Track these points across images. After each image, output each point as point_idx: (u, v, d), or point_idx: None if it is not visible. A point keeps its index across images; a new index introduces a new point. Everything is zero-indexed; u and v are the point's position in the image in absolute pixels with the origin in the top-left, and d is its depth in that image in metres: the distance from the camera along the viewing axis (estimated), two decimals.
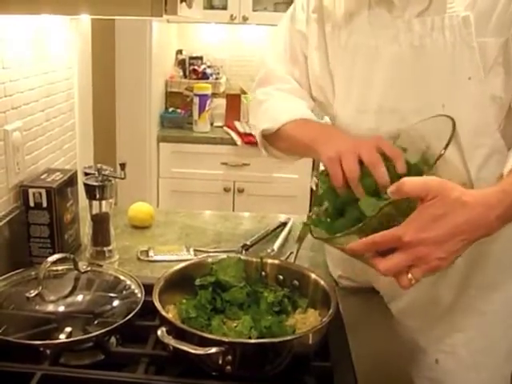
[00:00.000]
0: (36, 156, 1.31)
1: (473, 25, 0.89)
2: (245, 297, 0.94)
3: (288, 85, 1.12)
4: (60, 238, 1.19)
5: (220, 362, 0.78)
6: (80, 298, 0.97)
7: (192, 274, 0.97)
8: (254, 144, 2.59)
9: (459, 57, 0.91)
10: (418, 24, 0.93)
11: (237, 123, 3.16)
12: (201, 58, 3.46)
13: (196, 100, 3.17)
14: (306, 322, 0.91)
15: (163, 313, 0.83)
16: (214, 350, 0.76)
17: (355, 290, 1.14)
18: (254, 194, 3.10)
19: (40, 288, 0.93)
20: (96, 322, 0.91)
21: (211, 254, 1.22)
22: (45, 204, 1.16)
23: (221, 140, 3.09)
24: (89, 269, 1.03)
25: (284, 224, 1.46)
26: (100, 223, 1.23)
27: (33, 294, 0.92)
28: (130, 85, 2.88)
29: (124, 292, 0.99)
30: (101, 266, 1.07)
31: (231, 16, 3.16)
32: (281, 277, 1.00)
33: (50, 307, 0.94)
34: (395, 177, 0.80)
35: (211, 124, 3.27)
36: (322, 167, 0.94)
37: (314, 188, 2.70)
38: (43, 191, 1.16)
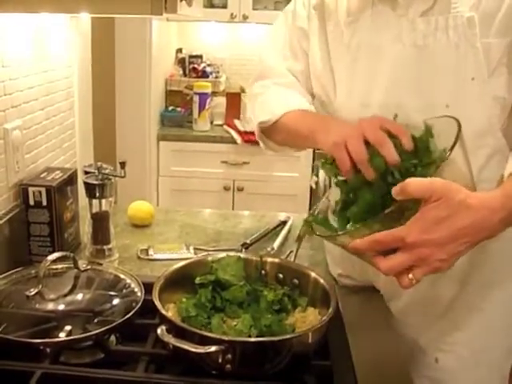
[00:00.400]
0: (36, 155, 1.31)
1: (477, 25, 0.89)
2: (245, 295, 0.94)
3: (285, 79, 1.12)
4: (60, 237, 1.19)
5: (220, 360, 0.78)
6: (80, 296, 0.97)
7: (192, 272, 0.97)
8: (253, 142, 2.60)
9: (463, 57, 0.91)
10: (422, 23, 0.92)
11: (237, 122, 3.16)
12: (201, 57, 3.46)
13: (196, 98, 3.17)
14: (306, 320, 0.91)
15: (163, 311, 0.83)
16: (213, 348, 0.76)
17: (355, 289, 1.14)
18: (254, 193, 3.10)
19: (40, 286, 0.93)
20: (96, 321, 0.91)
21: (211, 253, 1.21)
22: (45, 202, 1.16)
23: (221, 138, 3.09)
24: (89, 267, 1.03)
25: (284, 223, 1.46)
26: (100, 222, 1.23)
27: (33, 293, 0.92)
28: (129, 83, 2.88)
29: (124, 290, 0.99)
30: (101, 264, 1.07)
31: (231, 14, 3.16)
32: (281, 275, 1.00)
33: (50, 306, 0.94)
34: (403, 153, 0.80)
35: (211, 122, 3.27)
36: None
37: (314, 186, 2.70)
38: (43, 190, 1.16)
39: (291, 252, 1.03)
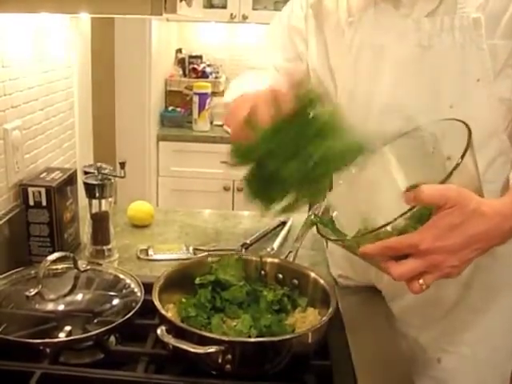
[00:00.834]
0: (35, 155, 1.30)
1: (483, 27, 0.88)
2: (244, 296, 0.94)
3: (268, 72, 1.10)
4: (60, 237, 1.19)
5: (220, 360, 0.78)
6: (80, 296, 0.97)
7: (191, 272, 0.97)
8: None
9: (468, 58, 0.90)
10: (428, 23, 0.91)
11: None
12: (200, 57, 3.46)
13: (196, 99, 3.17)
14: (306, 320, 0.91)
15: (163, 312, 0.83)
16: (213, 348, 0.76)
17: (355, 289, 1.14)
18: None
19: (40, 287, 0.93)
20: (96, 321, 0.91)
21: (211, 253, 1.22)
22: (44, 203, 1.16)
23: (220, 139, 3.09)
24: (88, 267, 1.03)
25: (283, 223, 1.45)
26: (100, 222, 1.23)
27: (32, 293, 0.92)
28: (129, 84, 2.88)
29: (123, 291, 0.99)
30: (100, 264, 1.07)
31: (231, 15, 3.16)
32: (280, 276, 1.00)
33: (50, 306, 0.94)
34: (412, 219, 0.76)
35: (211, 123, 3.27)
36: None
37: None
38: (43, 190, 1.16)
39: (291, 252, 1.02)
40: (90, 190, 1.19)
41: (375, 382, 0.86)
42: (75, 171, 1.29)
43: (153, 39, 2.87)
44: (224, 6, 3.19)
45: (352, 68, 1.00)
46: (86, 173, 1.21)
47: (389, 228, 0.73)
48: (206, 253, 1.26)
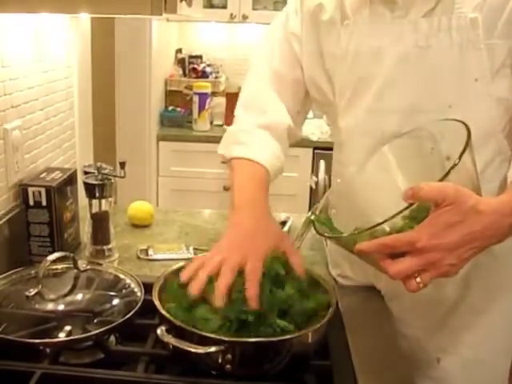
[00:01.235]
0: (35, 155, 1.31)
1: (480, 27, 0.88)
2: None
3: (267, 117, 1.08)
4: (60, 237, 1.19)
5: (220, 360, 0.78)
6: (80, 296, 0.97)
7: None
8: None
9: (466, 58, 0.90)
10: (425, 24, 0.91)
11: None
12: (200, 57, 3.46)
13: (196, 99, 3.17)
14: None
15: (163, 311, 0.83)
16: (213, 348, 0.76)
17: (355, 289, 1.14)
18: None
19: (40, 287, 0.93)
20: (96, 321, 0.91)
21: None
22: (44, 203, 1.16)
23: (220, 139, 3.07)
24: (88, 267, 1.03)
25: (284, 223, 1.45)
26: (100, 222, 1.23)
27: (32, 293, 0.92)
28: (129, 84, 2.88)
29: (124, 291, 0.99)
30: (100, 264, 1.07)
31: (231, 15, 3.16)
32: None
33: (50, 306, 0.94)
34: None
35: (211, 123, 3.27)
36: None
37: (314, 187, 2.70)
38: (43, 190, 1.16)
39: None
40: (90, 189, 1.19)
41: (375, 382, 0.85)
42: (75, 171, 1.29)
43: (153, 39, 2.87)
44: (224, 6, 3.20)
45: (349, 70, 0.99)
46: (86, 173, 1.21)
47: (386, 227, 0.73)
48: (206, 253, 1.26)
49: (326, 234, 0.85)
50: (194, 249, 1.31)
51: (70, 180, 1.25)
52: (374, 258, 0.74)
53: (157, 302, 0.85)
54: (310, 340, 0.83)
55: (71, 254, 1.01)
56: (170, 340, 0.78)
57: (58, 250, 1.14)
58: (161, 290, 0.89)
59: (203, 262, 0.86)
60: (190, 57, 3.45)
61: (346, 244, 0.79)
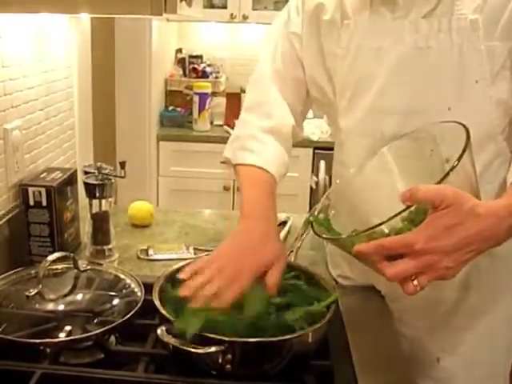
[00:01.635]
0: (35, 155, 1.31)
1: (481, 28, 0.88)
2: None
3: (272, 120, 1.08)
4: (60, 237, 1.19)
5: (220, 360, 0.78)
6: (80, 296, 0.97)
7: None
8: None
9: (466, 60, 0.90)
10: (425, 25, 0.91)
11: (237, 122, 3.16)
12: (201, 57, 3.46)
13: (196, 99, 3.17)
14: None
15: (163, 311, 0.83)
16: (213, 348, 0.76)
17: (355, 289, 1.14)
18: None
19: (40, 287, 0.93)
20: (96, 321, 0.91)
21: (211, 253, 1.22)
22: (44, 203, 1.16)
23: (221, 139, 3.08)
24: (89, 267, 1.03)
25: (284, 223, 1.46)
26: (100, 222, 1.23)
27: (32, 293, 0.92)
28: (129, 84, 2.88)
29: (124, 291, 0.99)
30: (101, 264, 1.07)
31: (231, 15, 3.16)
32: None
33: (50, 306, 0.94)
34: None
35: (211, 123, 3.27)
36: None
37: (314, 186, 2.70)
38: (43, 190, 1.16)
39: (291, 252, 1.02)
40: (90, 189, 1.19)
41: (375, 382, 0.85)
42: (75, 171, 1.29)
43: (153, 39, 2.88)
44: (224, 6, 3.20)
45: (350, 70, 0.99)
46: (86, 173, 1.21)
47: (385, 229, 0.73)
48: (205, 253, 1.26)
49: (324, 236, 0.85)
50: (194, 249, 1.31)
51: (70, 180, 1.25)
52: (372, 260, 0.74)
53: (157, 302, 0.85)
54: (310, 340, 0.83)
55: (71, 254, 1.01)
56: (170, 340, 0.78)
57: (58, 250, 1.14)
58: (161, 290, 0.89)
59: (203, 267, 0.87)
60: (190, 57, 3.45)
61: (344, 245, 0.79)
